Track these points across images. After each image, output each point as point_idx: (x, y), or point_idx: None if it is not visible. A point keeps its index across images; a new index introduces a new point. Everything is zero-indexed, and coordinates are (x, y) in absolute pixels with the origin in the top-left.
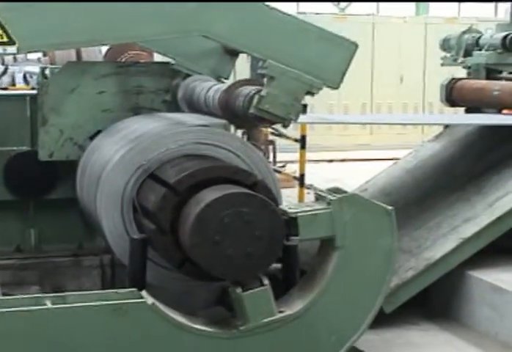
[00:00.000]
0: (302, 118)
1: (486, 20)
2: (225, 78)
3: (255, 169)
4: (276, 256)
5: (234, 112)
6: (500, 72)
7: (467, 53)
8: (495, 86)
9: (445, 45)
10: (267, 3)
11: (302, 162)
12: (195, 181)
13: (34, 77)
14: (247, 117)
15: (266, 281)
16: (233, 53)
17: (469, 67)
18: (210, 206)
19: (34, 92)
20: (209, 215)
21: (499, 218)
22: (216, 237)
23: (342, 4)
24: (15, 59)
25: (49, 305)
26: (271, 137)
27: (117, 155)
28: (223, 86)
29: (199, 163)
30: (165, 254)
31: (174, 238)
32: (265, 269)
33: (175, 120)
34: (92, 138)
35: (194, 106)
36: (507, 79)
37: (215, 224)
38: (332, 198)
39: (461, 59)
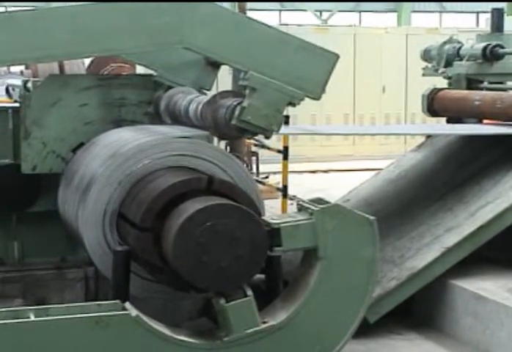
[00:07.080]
0: (284, 129)
1: (467, 31)
2: (207, 90)
3: (237, 180)
4: (259, 267)
5: (216, 124)
6: (481, 82)
7: (448, 64)
8: (476, 96)
9: (426, 55)
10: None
11: (285, 173)
12: (156, 212)
13: (17, 90)
14: (229, 129)
15: (250, 292)
16: (215, 65)
17: (449, 78)
18: (190, 219)
19: (17, 105)
20: (190, 228)
21: (481, 228)
22: (198, 250)
23: (325, 16)
24: None
25: (32, 318)
26: (253, 148)
27: (95, 180)
28: (205, 98)
29: (154, 187)
30: (173, 285)
31: (173, 270)
32: (248, 280)
33: (157, 132)
34: (74, 150)
35: (177, 118)
36: (487, 89)
37: (196, 236)
38: (315, 209)
39: (441, 69)
